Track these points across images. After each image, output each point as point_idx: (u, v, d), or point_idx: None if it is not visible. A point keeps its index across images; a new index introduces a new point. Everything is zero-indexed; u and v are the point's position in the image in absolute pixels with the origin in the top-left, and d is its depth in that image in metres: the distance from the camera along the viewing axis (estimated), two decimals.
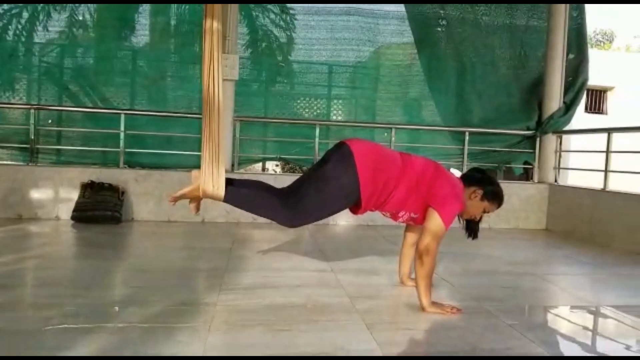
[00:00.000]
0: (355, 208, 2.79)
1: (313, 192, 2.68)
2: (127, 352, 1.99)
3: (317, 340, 2.21)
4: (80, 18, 6.01)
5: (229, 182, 2.64)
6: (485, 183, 2.83)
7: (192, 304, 2.63)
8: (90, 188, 5.09)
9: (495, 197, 2.84)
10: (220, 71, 2.48)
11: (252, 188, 2.72)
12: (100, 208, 4.92)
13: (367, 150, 2.69)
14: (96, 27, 6.16)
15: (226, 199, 2.62)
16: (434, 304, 2.69)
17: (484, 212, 2.87)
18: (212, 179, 2.55)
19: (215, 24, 2.44)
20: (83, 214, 4.94)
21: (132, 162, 5.77)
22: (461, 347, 2.22)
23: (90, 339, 2.10)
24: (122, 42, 6.25)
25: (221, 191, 2.58)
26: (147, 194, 5.30)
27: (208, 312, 2.51)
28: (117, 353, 1.98)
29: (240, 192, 2.69)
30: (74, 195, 5.11)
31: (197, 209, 2.77)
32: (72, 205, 5.04)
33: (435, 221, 2.66)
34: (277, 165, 13.38)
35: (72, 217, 4.99)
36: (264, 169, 10.27)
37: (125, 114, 5.53)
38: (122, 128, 5.47)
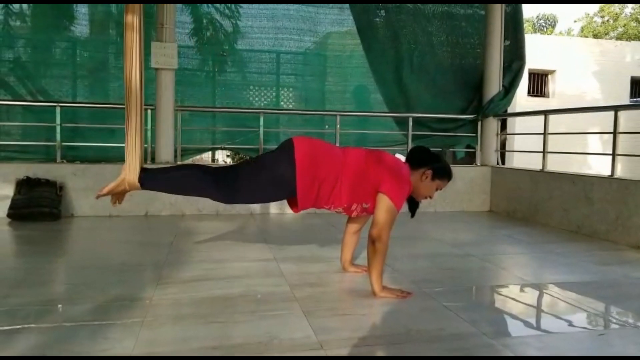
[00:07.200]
0: (294, 204, 2.79)
1: (247, 173, 2.71)
2: (50, 353, 1.92)
3: (251, 330, 2.19)
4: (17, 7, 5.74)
5: (146, 170, 2.67)
6: (432, 162, 2.86)
7: (126, 300, 2.57)
8: (25, 184, 4.90)
9: (444, 174, 2.88)
10: (140, 66, 2.52)
11: (174, 171, 2.76)
12: (36, 204, 4.74)
13: (309, 146, 2.72)
14: (33, 17, 5.89)
15: (146, 187, 2.65)
16: (384, 288, 2.72)
17: (437, 189, 2.91)
18: (131, 169, 2.60)
19: (135, 20, 2.48)
20: (19, 212, 4.75)
21: (75, 157, 5.58)
22: (395, 329, 2.25)
23: (12, 341, 2.02)
24: (62, 32, 6.02)
25: (135, 179, 2.61)
26: (87, 189, 5.12)
27: (143, 307, 2.46)
28: (39, 354, 1.91)
29: (161, 177, 2.73)
30: (10, 192, 4.91)
31: (119, 201, 2.80)
32: (7, 203, 4.84)
33: (386, 204, 2.68)
34: (227, 156, 13.25)
35: (8, 215, 4.79)
36: (213, 159, 10.13)
37: (60, 106, 5.33)
38: (58, 121, 5.27)
